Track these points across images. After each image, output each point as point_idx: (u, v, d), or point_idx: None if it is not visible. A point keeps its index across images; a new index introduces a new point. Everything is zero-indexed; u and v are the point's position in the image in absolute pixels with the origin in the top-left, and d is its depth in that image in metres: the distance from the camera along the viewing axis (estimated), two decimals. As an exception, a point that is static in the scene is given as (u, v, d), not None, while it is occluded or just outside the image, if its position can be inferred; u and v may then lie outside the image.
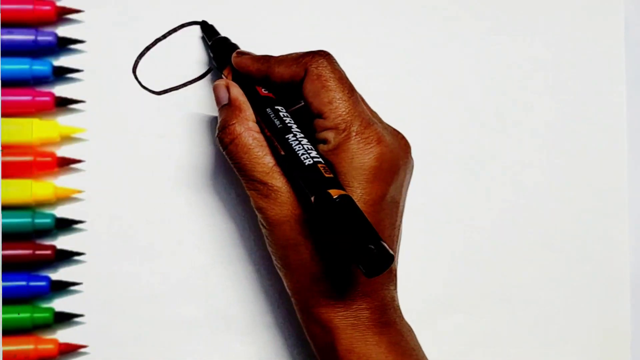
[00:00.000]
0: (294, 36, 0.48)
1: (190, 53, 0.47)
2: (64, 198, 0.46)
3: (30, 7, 0.45)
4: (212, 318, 0.46)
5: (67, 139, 0.46)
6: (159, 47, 0.47)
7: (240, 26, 0.48)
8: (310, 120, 0.42)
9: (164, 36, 0.47)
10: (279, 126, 0.41)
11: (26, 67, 0.45)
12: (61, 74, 0.46)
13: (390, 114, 0.49)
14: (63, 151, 0.46)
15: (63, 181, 0.46)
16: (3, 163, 0.45)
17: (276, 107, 0.42)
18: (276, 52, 0.48)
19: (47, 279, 0.45)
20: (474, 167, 0.49)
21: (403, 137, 0.43)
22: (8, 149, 0.45)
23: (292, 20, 0.48)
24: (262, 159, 0.41)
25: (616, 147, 0.49)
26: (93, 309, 0.46)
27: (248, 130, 0.42)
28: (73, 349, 0.45)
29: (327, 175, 0.39)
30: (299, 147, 0.40)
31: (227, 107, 0.43)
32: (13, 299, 0.44)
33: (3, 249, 0.44)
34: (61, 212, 0.46)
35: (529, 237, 0.49)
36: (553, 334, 0.49)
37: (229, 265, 0.47)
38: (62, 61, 0.46)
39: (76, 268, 0.46)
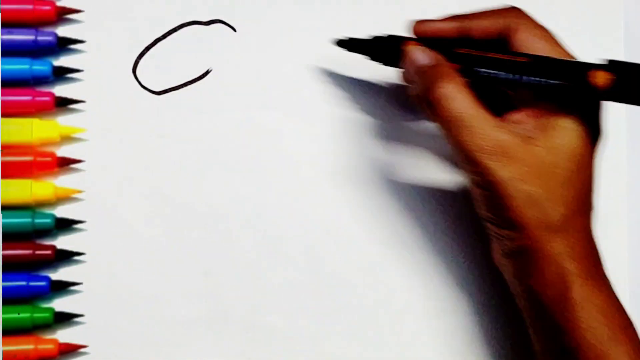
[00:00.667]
0: (295, 34, 0.48)
1: (190, 53, 0.47)
2: (64, 198, 0.46)
3: (30, 7, 0.45)
4: (212, 318, 0.46)
5: (67, 139, 0.46)
6: (159, 47, 0.47)
7: (240, 26, 0.48)
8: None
9: (164, 36, 0.47)
10: (501, 76, 0.40)
11: (26, 67, 0.45)
12: (61, 74, 0.46)
13: (395, 110, 0.48)
14: (63, 151, 0.46)
15: (63, 181, 0.46)
16: (3, 163, 0.45)
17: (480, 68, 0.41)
18: (281, 47, 0.48)
19: (47, 279, 0.45)
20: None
21: None
22: (8, 149, 0.45)
23: (293, 18, 0.48)
24: (482, 112, 0.39)
25: (616, 147, 0.49)
26: (93, 309, 0.46)
27: (462, 86, 0.39)
28: (73, 349, 0.45)
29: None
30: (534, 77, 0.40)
31: (430, 66, 0.41)
32: (13, 299, 0.44)
33: (3, 249, 0.44)
34: (61, 212, 0.46)
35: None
36: (553, 334, 0.49)
37: (229, 265, 0.47)
38: (62, 61, 0.46)
39: (76, 268, 0.46)
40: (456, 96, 0.39)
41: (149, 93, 0.47)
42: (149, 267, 0.46)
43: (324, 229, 0.47)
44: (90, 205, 0.46)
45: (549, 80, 0.39)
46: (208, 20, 0.48)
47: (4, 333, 0.44)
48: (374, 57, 0.44)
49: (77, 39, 0.46)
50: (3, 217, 0.44)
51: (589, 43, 0.50)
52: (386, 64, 0.44)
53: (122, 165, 0.47)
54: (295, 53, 0.48)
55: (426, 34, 0.42)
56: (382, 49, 0.43)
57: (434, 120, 0.41)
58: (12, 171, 0.45)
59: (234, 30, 0.48)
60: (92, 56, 0.47)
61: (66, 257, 0.45)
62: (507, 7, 0.42)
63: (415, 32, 0.43)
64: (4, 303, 0.44)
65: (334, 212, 0.47)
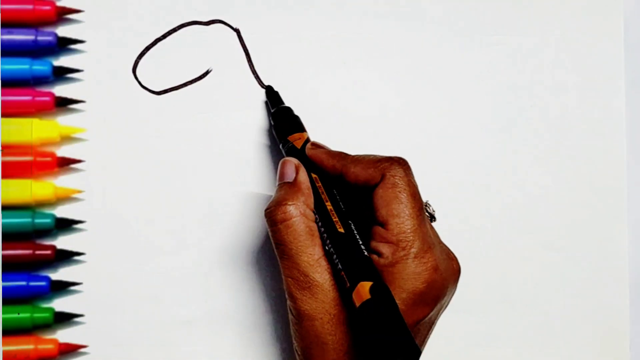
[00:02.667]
0: (296, 34, 0.48)
1: (190, 53, 0.47)
2: (64, 198, 0.46)
3: (30, 7, 0.45)
4: (212, 318, 0.47)
5: (67, 139, 0.46)
6: (159, 47, 0.47)
7: (240, 26, 0.48)
8: (369, 224, 0.41)
9: (164, 36, 0.47)
10: (343, 208, 0.41)
11: (26, 67, 0.45)
12: (61, 74, 0.46)
13: (393, 114, 0.49)
14: (63, 151, 0.46)
15: (63, 181, 0.46)
16: (3, 163, 0.45)
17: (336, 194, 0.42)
18: (281, 50, 0.48)
19: (47, 279, 0.45)
20: (474, 168, 0.49)
21: (456, 262, 0.42)
22: (8, 149, 0.45)
23: (294, 18, 0.48)
24: (309, 248, 0.40)
25: (615, 147, 0.49)
26: (93, 309, 0.46)
27: (303, 216, 0.41)
28: (73, 349, 0.45)
29: (347, 287, 0.39)
30: (358, 236, 0.40)
31: (288, 185, 0.42)
32: (13, 299, 0.44)
33: (3, 249, 0.44)
34: (61, 212, 0.46)
35: (529, 238, 0.49)
36: (552, 334, 0.49)
37: (229, 265, 0.47)
38: (62, 61, 0.46)
39: (76, 268, 0.46)
40: (291, 224, 0.40)
41: (149, 93, 0.47)
42: (149, 267, 0.46)
43: (324, 229, 0.47)
44: (90, 205, 0.46)
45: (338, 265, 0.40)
46: (208, 20, 0.48)
47: (4, 333, 0.44)
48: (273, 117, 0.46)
49: (77, 39, 0.46)
50: (3, 217, 0.44)
51: (589, 43, 0.50)
52: (276, 133, 0.46)
53: (122, 165, 0.47)
54: (295, 53, 0.48)
55: (312, 158, 0.43)
56: (277, 128, 0.46)
57: (271, 238, 0.41)
58: (12, 171, 0.45)
59: (234, 30, 0.48)
60: (92, 56, 0.47)
61: (66, 257, 0.45)
62: (387, 157, 0.41)
63: (307, 154, 0.44)
64: (4, 303, 0.44)
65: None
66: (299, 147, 0.44)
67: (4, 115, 0.45)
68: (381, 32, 0.49)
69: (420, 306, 0.39)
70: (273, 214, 0.41)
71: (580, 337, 0.49)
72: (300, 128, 0.45)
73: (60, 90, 0.46)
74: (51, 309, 0.45)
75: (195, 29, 0.48)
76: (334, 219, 0.41)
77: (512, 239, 0.49)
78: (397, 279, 0.39)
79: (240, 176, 0.47)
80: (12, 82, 0.45)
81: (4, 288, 0.44)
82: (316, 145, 0.44)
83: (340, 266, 0.39)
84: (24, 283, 0.44)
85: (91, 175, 0.46)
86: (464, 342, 0.48)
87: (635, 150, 0.50)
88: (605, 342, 0.49)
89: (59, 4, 0.46)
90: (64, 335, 0.45)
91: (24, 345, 0.44)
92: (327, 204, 0.41)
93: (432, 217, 0.44)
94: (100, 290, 0.46)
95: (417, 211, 0.40)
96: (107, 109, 0.47)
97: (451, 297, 0.42)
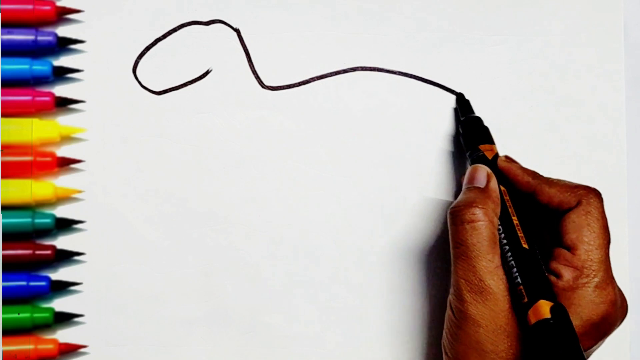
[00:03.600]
0: (296, 34, 0.48)
1: (190, 53, 0.47)
2: (64, 198, 0.46)
3: (30, 7, 0.45)
4: (212, 318, 0.46)
5: (67, 139, 0.46)
6: (159, 47, 0.47)
7: (240, 26, 0.48)
8: (550, 245, 0.42)
9: (164, 36, 0.47)
10: (527, 225, 0.42)
11: (26, 67, 0.45)
12: (61, 74, 0.46)
13: (393, 114, 0.48)
14: (63, 151, 0.46)
15: (63, 181, 0.46)
16: (3, 163, 0.45)
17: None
18: (281, 50, 0.48)
19: (47, 279, 0.45)
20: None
21: (625, 301, 0.42)
22: (8, 149, 0.45)
23: (294, 18, 0.48)
24: (490, 254, 0.40)
25: (615, 147, 0.49)
26: (93, 309, 0.46)
27: (490, 222, 0.41)
28: (73, 349, 0.45)
29: (524, 302, 0.39)
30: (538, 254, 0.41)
31: (479, 190, 0.42)
32: (13, 299, 0.44)
33: (3, 249, 0.44)
34: (61, 212, 0.46)
35: (529, 237, 0.49)
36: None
37: (229, 265, 0.47)
38: (62, 61, 0.46)
39: (76, 268, 0.46)
40: (477, 227, 0.41)
41: (149, 93, 0.47)
42: (149, 267, 0.46)
43: (324, 229, 0.47)
44: (90, 205, 0.46)
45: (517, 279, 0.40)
46: (208, 20, 0.48)
47: (4, 333, 0.44)
48: (462, 126, 0.47)
49: (77, 39, 0.46)
50: (3, 217, 0.44)
51: (589, 43, 0.50)
52: (464, 143, 0.47)
53: (122, 165, 0.47)
54: (295, 53, 0.48)
55: (504, 171, 0.44)
56: (466, 136, 0.46)
57: (450, 235, 0.42)
58: (12, 171, 0.45)
59: (234, 30, 0.48)
60: (92, 56, 0.47)
61: (66, 257, 0.45)
62: (584, 185, 0.43)
63: (500, 165, 0.44)
64: (4, 303, 0.44)
65: (334, 212, 0.47)
66: (489, 158, 0.45)
67: (4, 115, 0.45)
68: (381, 32, 0.49)
69: (590, 337, 0.40)
70: (462, 213, 0.41)
71: (580, 337, 0.49)
72: (491, 140, 0.46)
73: (60, 90, 0.46)
74: (51, 309, 0.45)
75: (195, 29, 0.48)
76: (519, 234, 0.41)
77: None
78: (574, 304, 0.39)
79: (241, 176, 0.47)
80: (12, 82, 0.45)
81: (4, 288, 0.44)
82: (510, 160, 0.45)
83: (519, 280, 0.40)
84: (24, 283, 0.44)
85: (91, 175, 0.46)
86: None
87: (635, 150, 0.50)
88: (605, 342, 0.49)
89: (59, 4, 0.46)
90: (64, 335, 0.45)
91: (24, 345, 0.44)
92: (513, 217, 0.42)
93: None
94: (100, 290, 0.46)
95: (606, 244, 0.41)
96: (107, 109, 0.47)
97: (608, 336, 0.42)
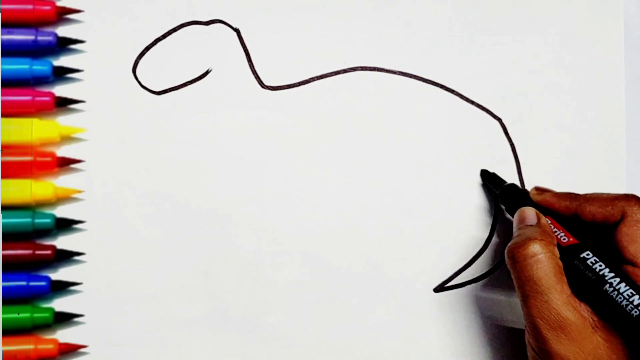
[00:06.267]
0: (296, 34, 0.48)
1: (190, 53, 0.47)
2: (64, 198, 0.46)
3: (30, 7, 0.45)
4: (212, 318, 0.47)
5: (67, 139, 0.46)
6: (159, 47, 0.47)
7: (240, 26, 0.48)
8: (619, 263, 0.41)
9: (164, 36, 0.47)
10: (591, 278, 0.40)
11: (26, 67, 0.45)
12: (61, 74, 0.46)
13: (393, 114, 0.49)
14: (63, 151, 0.46)
15: (63, 181, 0.46)
16: (3, 163, 0.45)
17: (582, 255, 0.41)
18: (281, 50, 0.48)
19: (47, 279, 0.45)
20: (474, 167, 0.49)
21: None
22: (8, 149, 0.45)
23: (294, 18, 0.48)
24: (559, 285, 0.39)
25: (615, 147, 0.49)
26: (93, 309, 0.46)
27: (553, 254, 0.40)
28: (73, 349, 0.45)
29: None
30: (620, 297, 0.39)
31: (533, 227, 0.42)
32: (13, 299, 0.44)
33: (3, 249, 0.44)
34: (61, 212, 0.46)
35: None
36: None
37: (229, 265, 0.47)
38: (62, 61, 0.46)
39: (76, 268, 0.46)
40: (541, 260, 0.40)
41: (149, 93, 0.47)
42: (149, 267, 0.46)
43: (324, 228, 0.47)
44: (90, 205, 0.46)
45: (622, 304, 0.39)
46: (208, 20, 0.48)
47: (4, 333, 0.44)
48: (500, 196, 0.47)
49: (77, 39, 0.46)
50: (3, 217, 0.44)
51: (589, 43, 0.50)
52: (506, 208, 0.46)
53: (122, 165, 0.47)
54: (295, 53, 0.48)
55: (540, 204, 0.44)
56: (508, 197, 0.46)
57: (513, 276, 0.41)
58: (12, 171, 0.45)
59: (234, 30, 0.48)
60: (92, 56, 0.47)
61: (66, 257, 0.45)
62: (623, 195, 0.42)
63: (534, 199, 0.44)
64: (4, 303, 0.44)
65: (334, 211, 0.48)
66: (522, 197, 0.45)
67: (4, 115, 0.45)
68: (381, 32, 0.49)
69: None
70: (522, 249, 0.40)
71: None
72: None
73: (60, 90, 0.46)
74: (51, 309, 0.45)
75: (195, 29, 0.48)
76: (599, 259, 0.40)
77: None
78: None
79: (240, 176, 0.47)
80: (12, 82, 0.45)
81: (4, 288, 0.44)
82: (541, 190, 0.45)
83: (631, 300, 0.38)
84: (24, 283, 0.44)
85: (91, 175, 0.46)
86: (466, 342, 0.48)
87: (635, 150, 0.50)
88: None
89: (59, 4, 0.46)
90: (64, 335, 0.45)
91: (24, 345, 0.44)
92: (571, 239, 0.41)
93: None
94: (100, 290, 0.46)
95: None
96: (107, 109, 0.47)
97: None
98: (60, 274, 0.46)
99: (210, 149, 0.47)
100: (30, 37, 0.45)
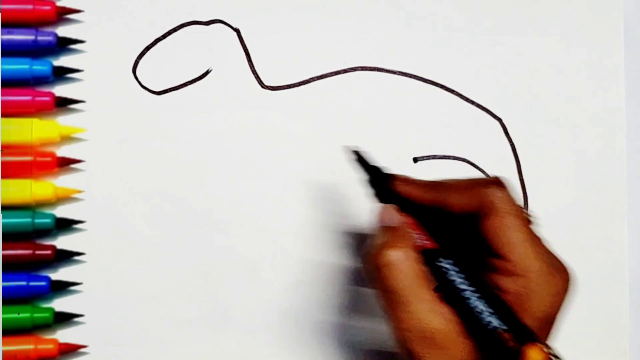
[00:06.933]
0: (296, 34, 0.48)
1: (190, 53, 0.47)
2: (64, 198, 0.46)
3: (30, 7, 0.45)
4: (212, 318, 0.47)
5: (67, 139, 0.46)
6: (159, 47, 0.47)
7: (240, 26, 0.48)
8: (484, 255, 0.37)
9: (164, 36, 0.47)
10: (449, 286, 0.37)
11: (26, 67, 0.45)
12: (61, 74, 0.46)
13: (393, 114, 0.49)
14: (63, 151, 0.46)
15: (63, 181, 0.46)
16: (3, 163, 0.45)
17: (438, 263, 0.37)
18: (281, 50, 0.48)
19: (47, 279, 0.45)
20: (473, 167, 0.49)
21: (566, 271, 0.38)
22: (8, 149, 0.45)
23: (294, 18, 0.48)
24: (421, 291, 0.36)
25: (615, 147, 0.49)
26: (93, 309, 0.46)
27: (411, 260, 0.36)
28: (73, 349, 0.45)
29: (510, 345, 0.35)
30: (477, 309, 0.36)
31: (390, 230, 0.38)
32: (13, 299, 0.44)
33: (3, 249, 0.44)
34: (61, 212, 0.46)
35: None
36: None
37: (229, 265, 0.47)
38: (62, 61, 0.46)
39: (76, 268, 0.46)
40: (399, 268, 0.36)
41: (149, 93, 0.47)
42: (149, 267, 0.46)
43: (324, 228, 0.47)
44: (90, 205, 0.46)
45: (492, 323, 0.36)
46: (208, 20, 0.48)
47: (4, 333, 0.44)
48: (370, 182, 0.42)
49: (77, 39, 0.46)
50: (3, 217, 0.44)
51: (589, 43, 0.50)
52: (375, 195, 0.41)
53: (122, 165, 0.47)
54: (295, 53, 0.48)
55: (404, 195, 0.39)
56: (374, 183, 0.41)
57: (373, 287, 0.37)
58: (12, 171, 0.45)
59: (234, 30, 0.48)
60: (92, 56, 0.47)
61: (66, 257, 0.45)
62: (485, 179, 0.38)
63: (398, 190, 0.40)
64: (4, 303, 0.44)
65: (334, 211, 0.48)
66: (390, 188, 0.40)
67: (4, 115, 0.45)
68: (381, 32, 0.49)
69: (546, 329, 0.37)
70: (378, 258, 0.37)
71: (580, 337, 0.49)
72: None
73: (60, 90, 0.46)
74: (51, 309, 0.45)
75: (195, 29, 0.48)
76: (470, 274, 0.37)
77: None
78: (525, 310, 0.36)
79: (240, 176, 0.47)
80: (12, 82, 0.45)
81: (4, 288, 0.44)
82: (404, 180, 0.40)
83: (498, 324, 0.36)
84: (24, 283, 0.44)
85: (91, 175, 0.46)
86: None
87: (635, 150, 0.50)
88: (605, 342, 0.49)
89: (59, 4, 0.46)
90: (64, 335, 0.45)
91: (24, 345, 0.44)
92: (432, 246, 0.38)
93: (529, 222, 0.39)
94: (100, 290, 0.46)
95: (528, 230, 0.37)
96: (107, 109, 0.47)
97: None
98: (60, 274, 0.46)
99: (210, 148, 0.47)
100: (30, 37, 0.45)
